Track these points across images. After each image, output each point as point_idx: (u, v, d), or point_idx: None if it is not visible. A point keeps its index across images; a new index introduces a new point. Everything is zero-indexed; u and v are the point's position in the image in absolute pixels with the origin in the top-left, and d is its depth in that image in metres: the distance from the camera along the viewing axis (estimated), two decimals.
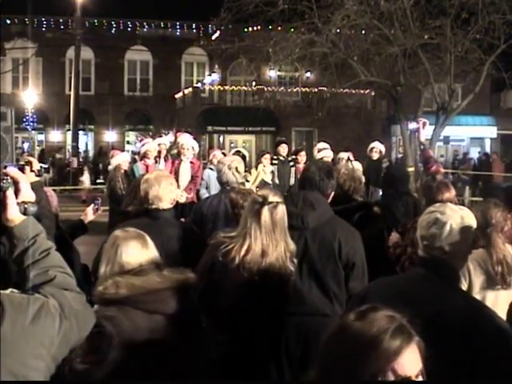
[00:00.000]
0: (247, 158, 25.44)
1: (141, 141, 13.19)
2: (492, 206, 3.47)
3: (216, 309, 3.30)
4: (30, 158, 4.33)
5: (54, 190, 6.20)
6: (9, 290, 1.86)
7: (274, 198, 3.31)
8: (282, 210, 3.29)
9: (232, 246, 3.24)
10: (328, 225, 3.66)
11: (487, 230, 3.29)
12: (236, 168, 5.01)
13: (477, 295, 3.25)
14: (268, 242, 3.23)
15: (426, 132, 5.76)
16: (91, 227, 5.11)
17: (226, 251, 3.23)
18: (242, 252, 3.22)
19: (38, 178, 3.94)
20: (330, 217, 3.73)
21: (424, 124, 5.51)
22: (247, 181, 6.26)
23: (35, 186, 2.12)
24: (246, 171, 6.74)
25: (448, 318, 2.16)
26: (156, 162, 8.79)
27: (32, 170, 3.89)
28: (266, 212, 3.24)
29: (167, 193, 4.06)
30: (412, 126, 17.08)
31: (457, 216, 2.38)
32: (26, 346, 1.77)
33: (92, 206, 5.10)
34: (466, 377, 2.01)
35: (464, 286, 3.30)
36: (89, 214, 5.05)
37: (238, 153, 7.88)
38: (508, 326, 2.22)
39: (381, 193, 7.11)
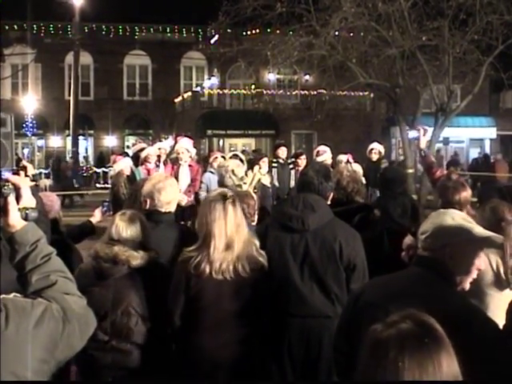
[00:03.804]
0: (245, 162, 25.41)
1: (133, 145, 13.16)
2: (500, 203, 3.49)
3: (207, 319, 3.28)
4: (25, 163, 4.35)
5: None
6: (12, 295, 1.87)
7: (229, 193, 3.34)
8: (238, 203, 3.33)
9: (201, 258, 3.22)
10: (328, 227, 3.67)
11: (501, 224, 3.26)
12: (232, 171, 5.02)
13: (482, 293, 3.25)
14: (233, 237, 3.23)
15: (427, 138, 5.74)
16: None
17: (196, 264, 3.22)
18: (210, 257, 3.20)
19: (33, 183, 3.95)
20: (330, 219, 3.74)
21: (425, 131, 5.50)
22: (244, 183, 6.29)
23: (32, 191, 2.13)
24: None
25: (443, 317, 2.17)
26: (157, 165, 8.83)
27: (27, 175, 3.91)
28: (230, 207, 3.24)
29: (170, 197, 4.08)
30: (412, 134, 17.08)
31: (459, 218, 2.39)
32: (29, 349, 1.78)
33: (100, 208, 5.24)
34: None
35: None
36: (96, 215, 5.23)
37: (235, 156, 7.88)
38: (499, 328, 2.23)
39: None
